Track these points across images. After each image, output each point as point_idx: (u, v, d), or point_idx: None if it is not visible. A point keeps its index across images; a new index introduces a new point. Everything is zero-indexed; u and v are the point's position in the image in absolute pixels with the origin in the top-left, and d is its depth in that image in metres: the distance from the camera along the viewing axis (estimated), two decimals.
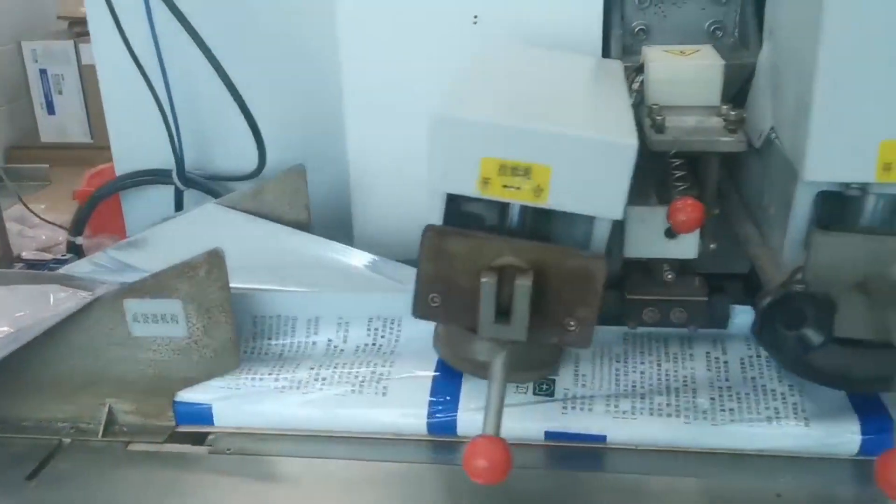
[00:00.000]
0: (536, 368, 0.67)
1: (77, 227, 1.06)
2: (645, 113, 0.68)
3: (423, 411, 0.68)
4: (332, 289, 0.80)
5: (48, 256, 1.19)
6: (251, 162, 0.95)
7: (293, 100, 0.97)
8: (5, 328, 0.67)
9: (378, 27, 0.85)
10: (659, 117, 0.66)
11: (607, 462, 0.66)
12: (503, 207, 0.60)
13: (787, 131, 0.62)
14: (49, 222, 1.38)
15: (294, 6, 0.93)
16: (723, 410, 0.66)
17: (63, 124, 2.23)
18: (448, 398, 0.68)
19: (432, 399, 0.68)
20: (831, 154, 0.56)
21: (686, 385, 0.69)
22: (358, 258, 0.85)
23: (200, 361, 0.70)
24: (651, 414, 0.67)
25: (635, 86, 0.72)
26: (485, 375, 0.59)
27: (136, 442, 0.69)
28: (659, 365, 0.71)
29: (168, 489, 0.64)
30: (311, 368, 0.72)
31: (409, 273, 0.60)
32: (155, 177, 1.00)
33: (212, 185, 0.99)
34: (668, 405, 0.67)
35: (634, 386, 0.69)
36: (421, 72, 0.85)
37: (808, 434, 0.65)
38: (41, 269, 1.06)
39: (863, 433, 0.64)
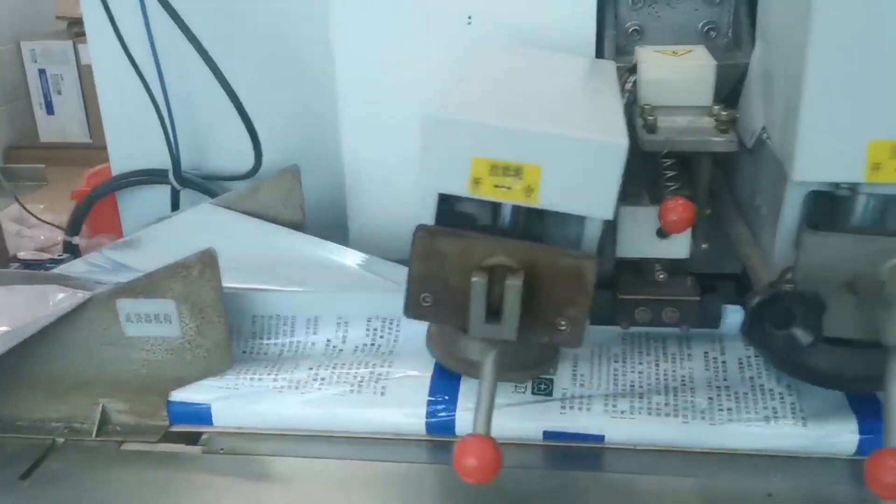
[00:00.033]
0: (528, 368, 0.67)
1: (73, 227, 1.06)
2: (637, 113, 0.69)
3: (422, 411, 0.68)
4: (328, 289, 0.80)
5: (45, 256, 1.20)
6: (247, 162, 0.95)
7: (288, 100, 0.97)
8: (2, 327, 0.67)
9: (372, 28, 0.85)
10: (651, 117, 0.66)
11: (605, 462, 0.66)
12: (495, 207, 0.60)
13: (777, 131, 0.62)
14: (46, 222, 1.39)
15: (289, 7, 0.93)
16: (721, 410, 0.66)
17: (62, 124, 2.24)
18: (446, 398, 0.68)
19: (431, 399, 0.68)
20: (820, 154, 0.56)
21: (684, 385, 0.69)
22: (353, 258, 0.86)
23: (194, 361, 0.71)
24: (649, 414, 0.67)
25: (628, 86, 0.72)
26: (477, 375, 0.59)
27: (129, 442, 0.69)
28: (657, 365, 0.71)
29: (161, 489, 0.64)
30: (310, 368, 0.72)
31: (404, 273, 0.60)
32: (151, 176, 1.01)
33: (208, 185, 0.99)
34: (666, 405, 0.67)
35: (633, 386, 0.69)
36: (415, 72, 0.85)
37: (806, 434, 0.65)
38: (38, 269, 1.06)
39: (860, 433, 0.64)
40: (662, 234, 0.66)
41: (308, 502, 0.64)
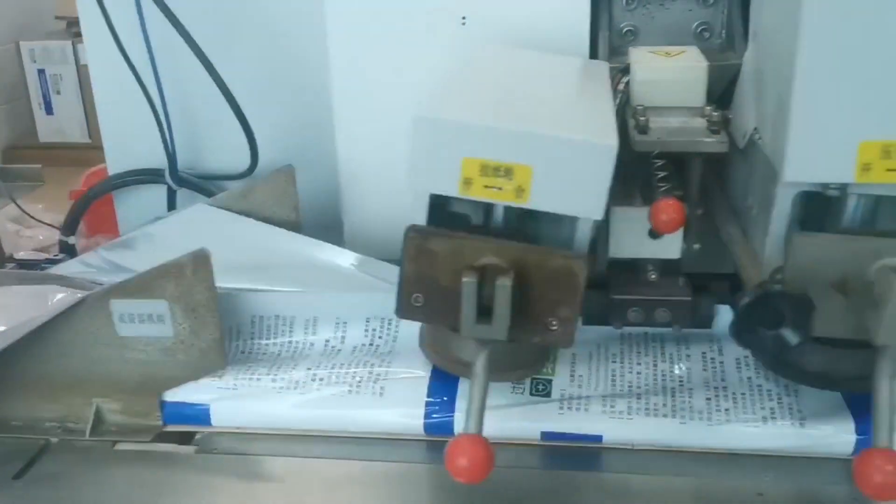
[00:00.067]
0: (520, 367, 0.67)
1: (69, 227, 1.06)
2: (630, 114, 0.69)
3: (420, 411, 0.68)
4: (323, 289, 0.80)
5: (42, 256, 1.20)
6: (243, 161, 0.96)
7: (284, 100, 0.97)
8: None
9: (367, 28, 0.85)
10: (643, 118, 0.66)
11: (604, 462, 0.66)
12: (488, 207, 0.60)
13: (768, 132, 0.62)
14: (43, 222, 1.39)
15: (284, 7, 0.94)
16: (718, 410, 0.66)
17: (61, 124, 2.24)
18: (445, 398, 0.68)
19: (429, 399, 0.68)
20: (811, 155, 0.56)
21: (682, 385, 0.69)
22: (348, 258, 0.86)
23: (187, 361, 0.71)
24: (647, 414, 0.67)
25: (621, 87, 0.72)
26: (468, 374, 0.59)
27: (123, 441, 0.70)
28: (655, 365, 0.71)
29: (156, 489, 0.64)
30: (309, 369, 0.72)
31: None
32: (148, 176, 1.01)
33: (204, 185, 0.99)
34: (664, 405, 0.67)
35: (630, 386, 0.69)
36: (410, 73, 0.85)
37: (803, 434, 0.65)
38: (34, 269, 1.06)
39: (858, 433, 0.64)
40: (654, 234, 0.67)
41: (304, 503, 0.64)
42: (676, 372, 0.70)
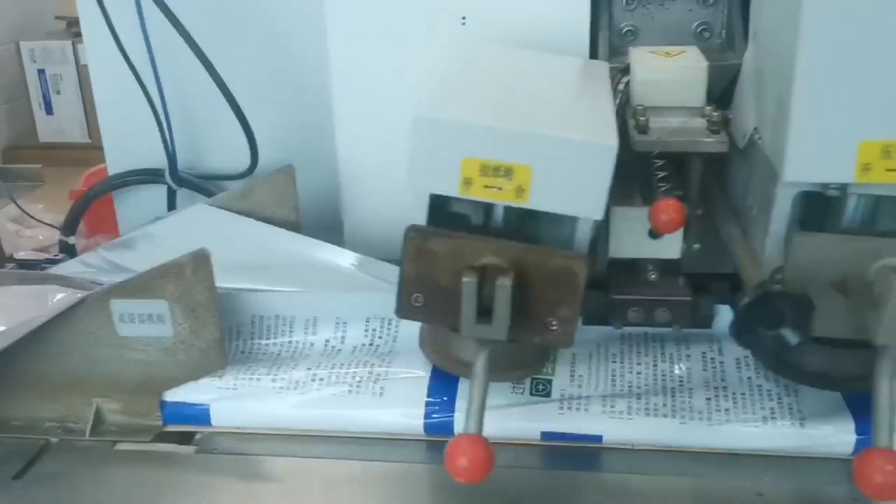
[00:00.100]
0: (520, 367, 0.67)
1: (69, 227, 1.06)
2: (630, 114, 0.69)
3: (420, 411, 0.68)
4: (323, 289, 0.80)
5: (42, 256, 1.20)
6: (243, 161, 0.96)
7: (284, 100, 0.97)
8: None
9: (367, 28, 0.85)
10: (643, 118, 0.66)
11: (604, 462, 0.66)
12: (488, 208, 0.60)
13: (768, 132, 0.62)
14: (43, 222, 1.39)
15: (284, 7, 0.94)
16: (718, 411, 0.66)
17: (61, 124, 2.24)
18: (445, 398, 0.68)
19: (429, 399, 0.68)
20: (811, 155, 0.56)
21: (682, 385, 0.69)
22: (348, 258, 0.86)
23: (187, 361, 0.71)
24: (647, 414, 0.67)
25: (621, 87, 0.72)
26: (468, 374, 0.59)
27: (123, 441, 0.70)
28: (655, 365, 0.71)
29: (156, 489, 0.64)
30: (309, 369, 0.72)
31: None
32: (148, 176, 1.01)
33: (204, 185, 0.99)
34: (663, 405, 0.67)
35: (630, 386, 0.69)
36: (410, 73, 0.85)
37: (803, 434, 0.65)
38: (34, 269, 1.06)
39: (858, 433, 0.64)
40: (654, 234, 0.67)
41: (304, 502, 0.64)
42: (676, 372, 0.70)
